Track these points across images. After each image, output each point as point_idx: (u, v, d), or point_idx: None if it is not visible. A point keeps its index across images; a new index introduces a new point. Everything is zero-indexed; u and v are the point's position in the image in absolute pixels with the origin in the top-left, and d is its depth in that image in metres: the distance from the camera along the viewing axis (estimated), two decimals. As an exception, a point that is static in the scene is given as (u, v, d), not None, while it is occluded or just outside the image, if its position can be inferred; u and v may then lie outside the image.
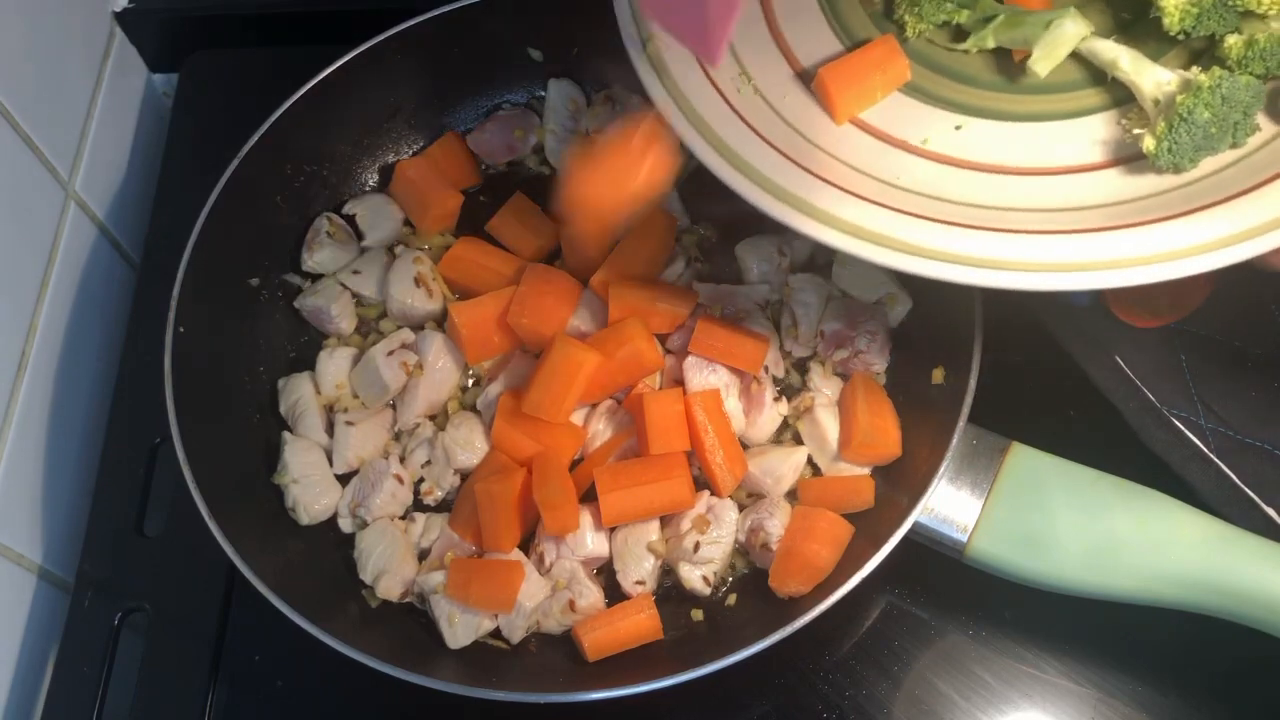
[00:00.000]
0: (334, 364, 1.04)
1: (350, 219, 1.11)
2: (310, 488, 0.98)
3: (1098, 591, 0.87)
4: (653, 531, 0.95)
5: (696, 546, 0.93)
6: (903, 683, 0.94)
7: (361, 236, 1.11)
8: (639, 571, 0.94)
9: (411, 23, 1.09)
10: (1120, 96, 0.82)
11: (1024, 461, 0.90)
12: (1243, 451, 0.94)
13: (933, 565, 0.91)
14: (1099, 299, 0.99)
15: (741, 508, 0.97)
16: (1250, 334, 0.99)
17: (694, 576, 0.93)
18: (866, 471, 0.97)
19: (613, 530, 0.96)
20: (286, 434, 1.01)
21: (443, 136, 1.16)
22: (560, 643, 0.94)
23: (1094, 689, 0.93)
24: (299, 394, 1.03)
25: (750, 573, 0.96)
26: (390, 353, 1.02)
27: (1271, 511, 0.91)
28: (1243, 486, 0.93)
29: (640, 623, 0.91)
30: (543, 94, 1.16)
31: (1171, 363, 0.98)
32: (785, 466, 0.97)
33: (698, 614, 0.95)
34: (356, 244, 1.10)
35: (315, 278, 1.09)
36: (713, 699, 0.94)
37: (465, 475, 1.00)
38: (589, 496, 0.95)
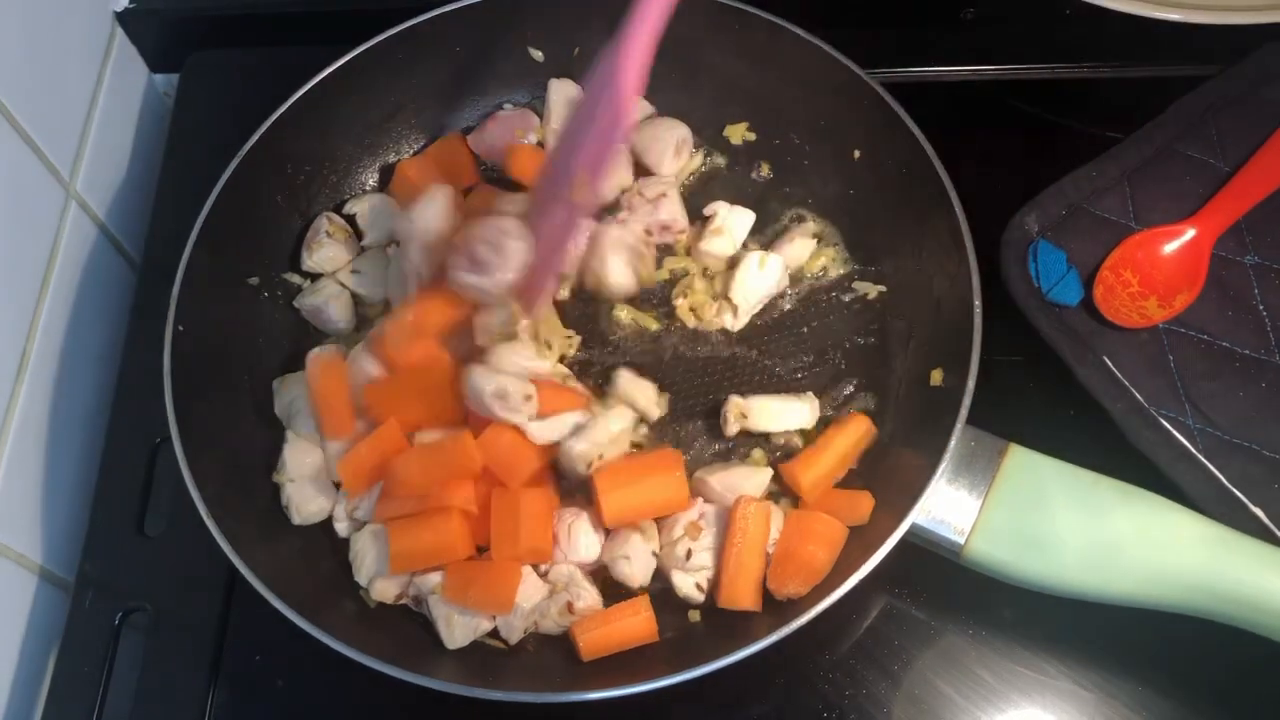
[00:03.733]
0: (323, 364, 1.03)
1: (350, 219, 1.11)
2: (304, 488, 0.98)
3: (1095, 595, 0.87)
4: (649, 535, 0.95)
5: (689, 554, 0.93)
6: (903, 682, 0.94)
7: (361, 236, 1.11)
8: (636, 573, 0.94)
9: (412, 22, 1.09)
10: None
11: (1022, 463, 0.90)
12: (1230, 451, 0.94)
13: (932, 565, 0.91)
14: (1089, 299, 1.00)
15: None
16: (1238, 334, 0.99)
17: (688, 584, 0.93)
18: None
19: (608, 533, 0.96)
20: (290, 433, 1.01)
21: (443, 136, 1.16)
22: (558, 643, 0.94)
23: (1095, 689, 0.93)
24: (294, 394, 1.02)
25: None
26: (374, 353, 1.01)
27: (1259, 511, 0.92)
28: (1230, 486, 0.93)
29: (637, 624, 0.91)
30: (543, 94, 1.16)
31: (1160, 363, 0.98)
32: (748, 485, 0.96)
33: (695, 615, 0.95)
34: (356, 244, 1.10)
35: (315, 277, 1.09)
36: (712, 699, 0.94)
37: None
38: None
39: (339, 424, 0.98)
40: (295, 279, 1.09)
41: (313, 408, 0.99)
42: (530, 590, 0.92)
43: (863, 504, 0.94)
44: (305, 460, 0.99)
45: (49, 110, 1.09)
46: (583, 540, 0.94)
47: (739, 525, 0.92)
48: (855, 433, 0.98)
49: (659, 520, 0.96)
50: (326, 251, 1.08)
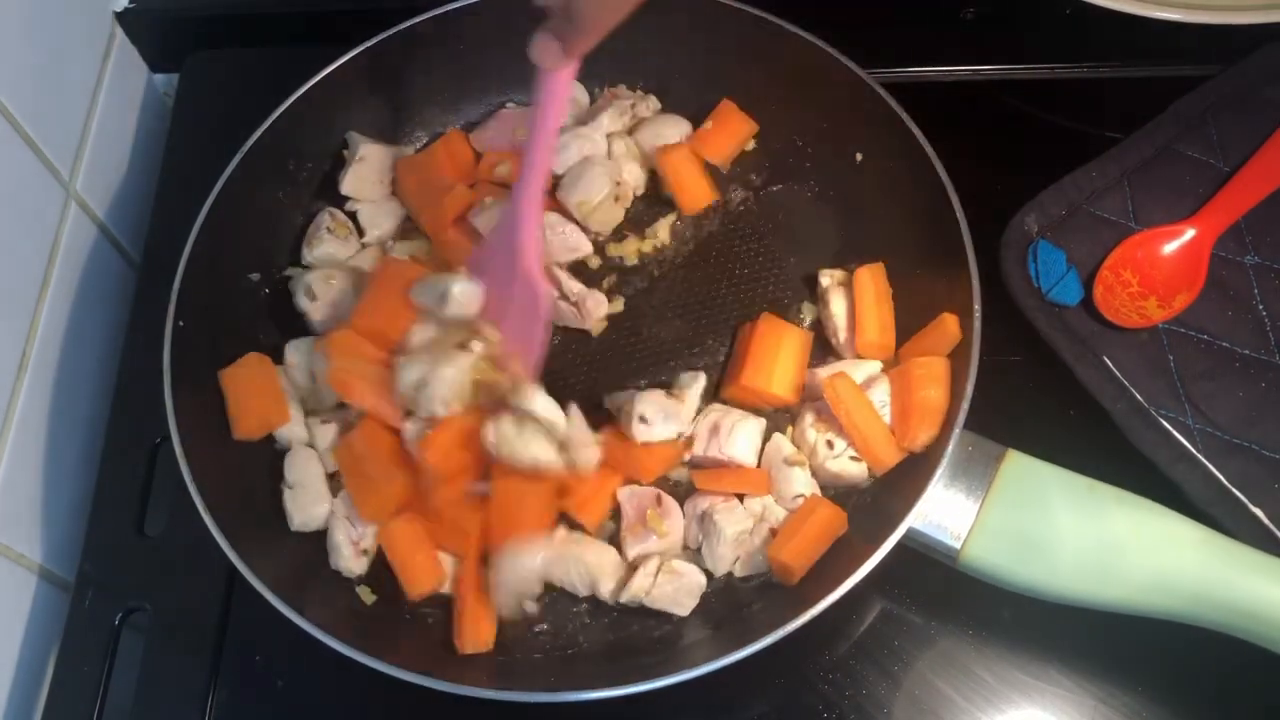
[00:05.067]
0: (299, 356, 1.02)
1: (352, 215, 1.11)
2: (301, 495, 0.97)
3: (1091, 601, 0.87)
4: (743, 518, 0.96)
5: (830, 444, 0.96)
6: (903, 683, 0.94)
7: (362, 233, 1.11)
8: (792, 489, 0.96)
9: (414, 21, 1.09)
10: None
11: (1020, 469, 0.90)
12: (1230, 451, 0.94)
13: (932, 566, 0.91)
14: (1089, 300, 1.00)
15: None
16: (1238, 334, 0.99)
17: (848, 465, 0.96)
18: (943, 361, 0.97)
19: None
20: (294, 440, 1.00)
21: (445, 134, 1.16)
22: (560, 642, 0.95)
23: (1094, 689, 0.93)
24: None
25: (747, 577, 0.96)
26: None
27: (1259, 511, 0.92)
28: (1230, 486, 0.93)
29: (825, 518, 0.92)
30: (545, 94, 1.15)
31: (1159, 363, 0.98)
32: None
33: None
34: (357, 240, 1.10)
35: (316, 273, 1.09)
36: (712, 699, 0.94)
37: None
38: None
39: (253, 425, 0.99)
40: (296, 274, 1.09)
41: (230, 408, 0.99)
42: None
43: (948, 325, 0.95)
44: (308, 469, 0.98)
45: (49, 110, 1.09)
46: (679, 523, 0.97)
47: (836, 402, 0.94)
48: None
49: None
50: (327, 247, 1.08)
